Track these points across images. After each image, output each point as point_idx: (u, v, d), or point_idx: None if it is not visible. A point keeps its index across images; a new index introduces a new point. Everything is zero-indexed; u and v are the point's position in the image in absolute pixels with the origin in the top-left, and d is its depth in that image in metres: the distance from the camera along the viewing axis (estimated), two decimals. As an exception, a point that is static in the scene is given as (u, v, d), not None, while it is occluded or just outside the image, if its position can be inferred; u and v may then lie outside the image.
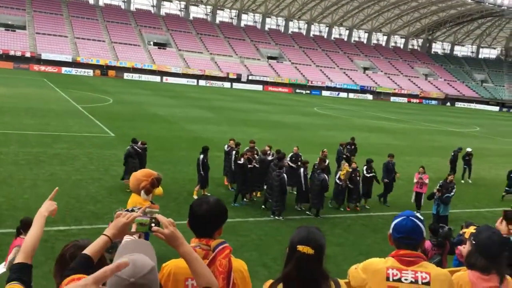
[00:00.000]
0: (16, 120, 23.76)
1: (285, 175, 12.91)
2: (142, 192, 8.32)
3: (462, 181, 20.22)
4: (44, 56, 68.33)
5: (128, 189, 13.64)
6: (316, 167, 14.24)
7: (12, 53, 66.44)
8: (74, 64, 70.18)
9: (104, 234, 2.48)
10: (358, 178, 14.46)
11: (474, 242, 3.24)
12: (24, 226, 6.46)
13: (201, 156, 14.04)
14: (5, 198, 11.97)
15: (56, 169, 15.42)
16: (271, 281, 2.67)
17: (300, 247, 2.54)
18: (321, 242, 2.60)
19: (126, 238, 2.88)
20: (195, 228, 2.85)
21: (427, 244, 8.14)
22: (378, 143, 28.72)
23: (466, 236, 3.77)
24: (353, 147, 20.35)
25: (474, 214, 15.04)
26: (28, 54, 67.63)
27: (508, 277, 3.24)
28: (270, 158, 14.63)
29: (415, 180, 15.02)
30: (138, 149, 14.61)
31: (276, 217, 12.79)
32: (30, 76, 54.90)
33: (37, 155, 17.07)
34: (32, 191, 12.78)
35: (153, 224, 2.41)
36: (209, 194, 14.20)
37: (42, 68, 67.11)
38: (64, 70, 68.38)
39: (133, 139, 15.05)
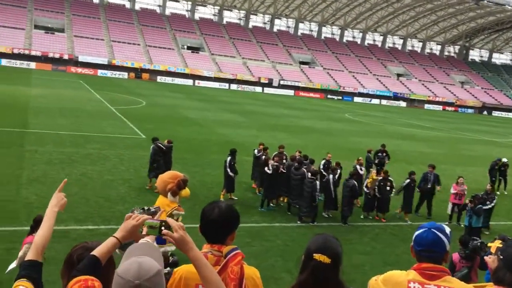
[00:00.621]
0: (51, 121, 24.41)
1: (318, 182, 12.94)
2: (169, 194, 8.36)
3: (498, 193, 19.54)
4: (81, 58, 70.16)
5: (155, 189, 13.85)
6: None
7: (50, 55, 68.46)
8: (110, 66, 71.79)
9: (113, 236, 2.47)
10: (387, 188, 13.91)
11: (501, 257, 3.07)
12: (38, 224, 6.44)
13: (229, 158, 14.06)
14: (37, 196, 12.25)
15: (87, 169, 15.72)
16: None
17: (317, 256, 2.46)
18: (338, 251, 2.51)
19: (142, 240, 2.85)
20: (206, 234, 2.79)
21: (455, 256, 7.92)
22: (411, 151, 28.15)
23: (492, 250, 3.57)
24: (384, 154, 19.84)
25: (509, 227, 14.50)
26: (66, 57, 69.58)
27: None
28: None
29: (453, 191, 14.39)
30: (163, 147, 14.71)
31: (303, 223, 12.71)
32: (67, 78, 56.44)
33: (70, 154, 17.46)
34: (63, 190, 13.00)
35: (163, 228, 2.37)
36: (236, 198, 14.20)
37: (79, 70, 68.89)
38: (100, 72, 70.00)
39: (153, 138, 15.21)
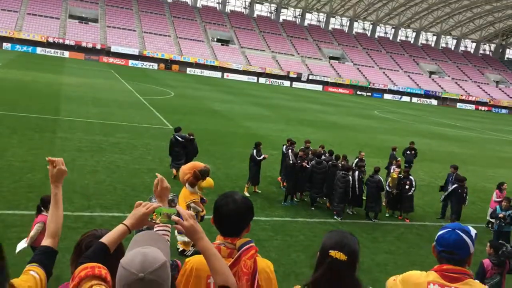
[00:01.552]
0: (82, 109, 24.90)
1: (350, 177, 12.96)
2: (187, 184, 8.45)
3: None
4: (114, 48, 71.25)
5: (172, 176, 14.01)
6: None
7: (84, 44, 69.77)
8: (141, 57, 72.70)
9: (123, 224, 2.43)
10: (407, 187, 13.52)
11: None
12: (44, 204, 6.76)
13: (254, 151, 14.06)
14: (66, 182, 12.37)
15: (115, 157, 15.98)
16: (298, 286, 2.55)
17: (333, 252, 2.39)
18: (355, 248, 2.44)
19: (164, 228, 2.84)
20: (220, 227, 2.74)
21: (487, 262, 7.60)
22: (440, 150, 27.57)
23: None
24: (413, 151, 19.44)
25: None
26: (98, 46, 70.78)
27: None
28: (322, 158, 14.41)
29: (496, 199, 13.63)
30: (180, 138, 14.83)
31: (336, 218, 12.78)
32: (99, 67, 57.41)
33: (99, 142, 17.78)
34: (91, 177, 13.30)
35: (173, 215, 2.35)
36: (259, 192, 14.20)
37: (111, 60, 70.01)
38: (131, 62, 70.97)
39: (175, 128, 15.37)
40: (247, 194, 13.92)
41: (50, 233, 2.71)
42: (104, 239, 2.36)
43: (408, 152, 19.24)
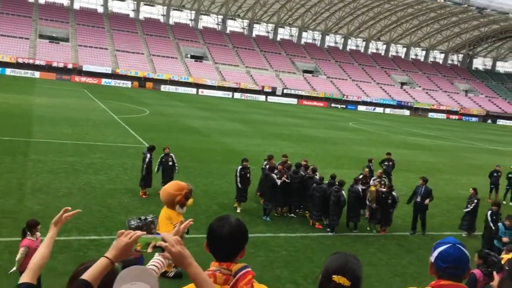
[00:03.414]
0: (55, 129, 24.41)
1: (343, 192, 13.08)
2: (177, 206, 8.20)
3: (504, 202, 19.36)
4: (85, 67, 70.41)
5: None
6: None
7: (55, 64, 68.72)
8: (114, 75, 72.02)
9: (105, 256, 2.29)
10: (389, 201, 13.43)
11: (507, 268, 2.95)
12: (29, 227, 7.10)
13: (239, 168, 13.94)
14: (41, 206, 12.17)
15: (90, 178, 15.65)
16: None
17: (336, 278, 2.29)
18: (358, 274, 2.34)
19: (157, 256, 2.73)
20: (215, 252, 2.63)
21: (478, 273, 7.52)
22: (415, 160, 27.98)
23: (503, 262, 3.45)
24: (390, 163, 19.59)
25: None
26: (70, 66, 69.84)
27: None
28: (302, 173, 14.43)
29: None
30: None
31: (329, 232, 12.96)
32: (71, 87, 56.61)
33: (73, 163, 17.41)
34: (67, 199, 12.97)
35: (158, 244, 2.22)
36: (238, 211, 14.06)
37: (83, 79, 69.11)
38: (104, 81, 70.20)
39: (150, 147, 15.15)
40: (238, 210, 13.80)
41: (33, 267, 2.61)
42: (86, 275, 2.23)
43: (386, 163, 19.39)
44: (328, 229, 13.07)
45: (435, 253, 2.71)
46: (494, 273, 3.57)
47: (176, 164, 14.84)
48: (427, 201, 13.80)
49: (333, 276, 2.29)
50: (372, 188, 13.93)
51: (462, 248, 2.68)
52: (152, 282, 2.00)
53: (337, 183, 13.23)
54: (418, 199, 13.90)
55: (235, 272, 2.52)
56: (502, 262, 3.60)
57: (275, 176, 13.55)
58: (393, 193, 13.65)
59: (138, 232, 2.30)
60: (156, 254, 2.68)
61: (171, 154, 14.83)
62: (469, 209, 14.03)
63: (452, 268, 2.63)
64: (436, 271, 2.70)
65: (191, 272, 2.23)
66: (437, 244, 2.77)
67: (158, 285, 2.00)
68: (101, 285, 2.25)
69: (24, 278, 2.54)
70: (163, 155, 14.79)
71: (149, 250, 2.24)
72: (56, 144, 20.78)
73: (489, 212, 12.28)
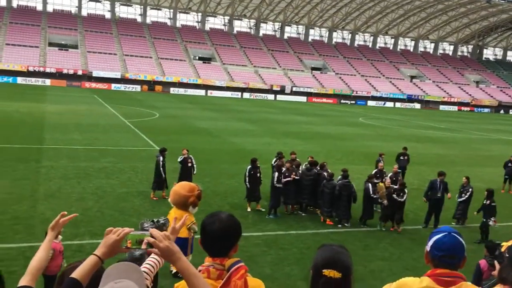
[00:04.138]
0: (66, 136, 24.67)
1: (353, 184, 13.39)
2: (191, 207, 8.23)
3: (511, 192, 19.19)
4: (95, 73, 71.04)
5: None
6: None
7: (65, 71, 69.45)
8: (123, 80, 72.55)
9: (94, 254, 2.32)
10: (402, 196, 13.20)
11: (507, 255, 2.95)
12: None
13: (248, 167, 13.97)
14: (53, 211, 12.32)
15: (102, 182, 15.82)
16: None
17: (326, 271, 2.31)
18: (348, 264, 2.36)
19: (153, 255, 2.74)
20: (207, 248, 2.67)
21: (483, 263, 7.47)
22: (427, 153, 27.79)
23: (503, 249, 3.44)
24: (406, 157, 19.42)
25: (531, 228, 14.16)
26: (80, 72, 70.51)
27: None
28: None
29: None
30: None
31: (345, 224, 13.23)
32: (81, 93, 57.13)
33: (85, 169, 17.60)
34: (78, 204, 13.13)
35: (146, 240, 2.25)
36: (249, 210, 14.09)
37: (93, 85, 69.72)
38: (114, 86, 70.74)
39: (161, 149, 15.18)
40: (249, 209, 13.84)
41: (31, 271, 2.63)
42: (75, 273, 2.26)
43: (401, 158, 19.27)
44: (339, 225, 13.09)
45: (431, 242, 2.72)
46: (496, 262, 3.55)
47: (195, 166, 14.96)
48: (449, 195, 13.79)
49: (323, 270, 2.30)
50: (381, 184, 13.70)
51: (458, 236, 2.68)
52: (138, 277, 2.02)
53: (342, 175, 13.53)
54: (439, 195, 13.67)
55: (228, 267, 2.55)
56: (502, 249, 3.59)
57: (275, 175, 13.54)
58: (405, 189, 13.38)
59: (126, 229, 2.32)
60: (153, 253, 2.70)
61: (190, 156, 14.94)
62: (463, 199, 13.85)
63: (447, 257, 2.63)
64: (431, 260, 2.70)
65: (180, 267, 2.25)
66: (433, 233, 2.77)
67: (144, 282, 2.02)
68: (90, 283, 2.28)
69: (23, 281, 2.56)
70: (184, 157, 14.81)
71: (143, 246, 2.28)
72: (68, 150, 21.01)
73: None
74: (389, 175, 14.84)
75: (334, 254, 2.37)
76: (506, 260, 2.96)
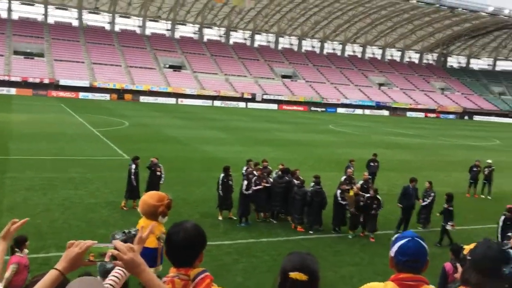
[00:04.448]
0: (32, 146, 24.05)
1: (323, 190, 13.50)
2: (160, 217, 8.10)
3: (482, 196, 19.71)
4: (62, 82, 69.64)
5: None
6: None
7: (31, 80, 67.83)
8: (91, 89, 71.37)
9: (55, 268, 2.24)
10: (374, 206, 13.06)
11: (469, 258, 3.03)
12: (18, 244, 6.98)
13: (221, 176, 13.90)
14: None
15: (70, 193, 15.46)
16: None
17: (293, 274, 2.34)
18: (314, 268, 2.40)
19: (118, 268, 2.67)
20: (172, 258, 2.63)
21: (448, 266, 7.62)
22: (395, 159, 28.30)
23: (465, 252, 3.53)
24: (376, 163, 19.73)
25: (495, 230, 14.52)
26: (46, 81, 69.01)
27: None
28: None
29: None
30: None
31: (319, 228, 13.38)
32: (48, 102, 55.90)
33: (51, 179, 17.17)
34: (44, 215, 12.79)
35: (110, 253, 2.21)
36: (220, 218, 14.02)
37: (60, 93, 68.32)
38: (82, 95, 69.52)
39: (134, 157, 15.00)
40: (220, 218, 13.75)
41: None
42: None
43: (372, 164, 19.59)
44: (311, 231, 13.15)
45: (395, 247, 2.75)
46: (458, 265, 3.64)
47: (163, 175, 14.80)
48: (420, 200, 13.98)
49: (290, 273, 2.33)
50: (351, 193, 13.59)
51: (421, 241, 2.74)
52: None
53: (314, 181, 13.66)
54: (412, 201, 13.85)
55: (194, 277, 2.52)
56: (464, 252, 3.68)
57: (244, 183, 13.52)
58: (378, 196, 13.37)
59: (89, 242, 2.26)
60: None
61: (160, 165, 14.80)
62: (426, 203, 14.09)
63: (411, 262, 2.68)
64: (396, 265, 2.74)
65: (144, 279, 2.21)
66: (396, 238, 2.81)
67: None
68: None
69: None
70: (150, 163, 14.70)
71: (106, 259, 2.22)
72: (34, 160, 20.48)
73: (502, 218, 11.68)
74: (360, 182, 15.00)
75: (301, 259, 2.40)
76: (468, 262, 3.03)
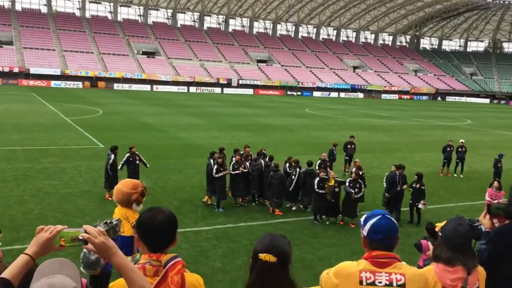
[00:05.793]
0: (3, 136, 23.48)
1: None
2: (134, 204, 8.04)
3: (455, 175, 20.16)
4: (33, 70, 67.96)
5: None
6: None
7: (0, 69, 65.98)
8: (63, 77, 69.88)
9: (25, 253, 2.22)
10: (356, 189, 12.66)
11: (440, 234, 3.13)
12: None
13: (211, 161, 13.82)
14: (-10, 216, 11.72)
15: (43, 183, 15.19)
16: None
17: (262, 255, 2.39)
18: (284, 249, 2.43)
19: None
20: (148, 242, 2.61)
21: (424, 242, 7.73)
22: (370, 141, 28.66)
23: (437, 229, 3.65)
24: (353, 146, 19.87)
25: (468, 207, 14.93)
26: (16, 70, 67.23)
27: (479, 267, 3.13)
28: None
29: (487, 198, 12.84)
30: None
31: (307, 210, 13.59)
32: (18, 92, 54.52)
33: (24, 170, 16.83)
34: (18, 207, 12.55)
35: (81, 237, 2.19)
36: (209, 203, 14.02)
37: (31, 82, 66.72)
38: (53, 83, 68.04)
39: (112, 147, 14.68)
40: (210, 202, 13.72)
41: None
42: (5, 273, 2.16)
43: (349, 146, 19.79)
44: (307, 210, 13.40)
45: (367, 226, 2.80)
46: (429, 242, 3.75)
47: (144, 161, 14.82)
48: (404, 186, 13.25)
49: (259, 255, 2.35)
50: (332, 182, 13.01)
51: (391, 217, 2.80)
52: (72, 272, 1.97)
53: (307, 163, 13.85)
54: (398, 188, 13.18)
55: (165, 263, 2.52)
56: (436, 229, 3.80)
57: (214, 167, 13.44)
58: (360, 180, 12.98)
59: (59, 227, 2.24)
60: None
61: (137, 153, 14.64)
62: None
63: (386, 238, 2.73)
64: (369, 243, 2.79)
65: (116, 262, 2.21)
66: (367, 218, 2.86)
67: (78, 275, 1.95)
68: (22, 281, 2.19)
69: None
70: (129, 154, 14.49)
71: (71, 243, 2.19)
72: (5, 151, 20.01)
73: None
74: (318, 162, 15.23)
75: (271, 240, 2.44)
76: (439, 239, 3.13)
